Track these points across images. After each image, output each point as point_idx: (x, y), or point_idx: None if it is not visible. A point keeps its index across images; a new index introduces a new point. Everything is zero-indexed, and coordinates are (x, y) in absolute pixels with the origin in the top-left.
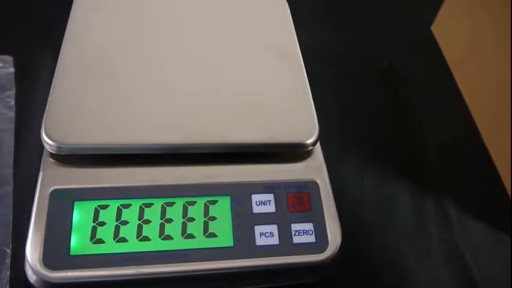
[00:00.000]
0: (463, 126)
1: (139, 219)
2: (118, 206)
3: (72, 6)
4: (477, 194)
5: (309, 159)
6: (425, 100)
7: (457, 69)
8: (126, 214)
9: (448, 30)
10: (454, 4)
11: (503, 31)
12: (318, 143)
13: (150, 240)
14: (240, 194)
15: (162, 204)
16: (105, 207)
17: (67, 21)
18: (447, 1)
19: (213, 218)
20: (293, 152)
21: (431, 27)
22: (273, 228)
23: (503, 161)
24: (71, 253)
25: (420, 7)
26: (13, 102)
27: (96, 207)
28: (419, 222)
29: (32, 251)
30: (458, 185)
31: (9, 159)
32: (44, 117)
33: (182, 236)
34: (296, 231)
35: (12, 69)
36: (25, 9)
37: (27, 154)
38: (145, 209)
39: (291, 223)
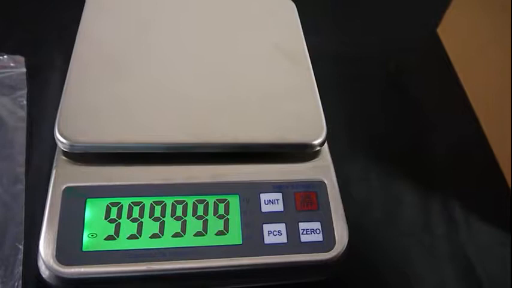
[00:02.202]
0: (469, 128)
1: (150, 217)
2: (129, 204)
3: (84, 8)
4: (483, 196)
5: (316, 159)
6: (431, 102)
7: (462, 71)
8: (137, 211)
9: (453, 32)
10: (459, 6)
11: (507, 33)
12: (326, 143)
13: (160, 237)
14: (249, 193)
15: (173, 202)
16: (116, 204)
17: (78, 23)
18: (453, 3)
19: (223, 216)
20: (301, 152)
21: (437, 30)
22: (281, 226)
23: (509, 162)
24: (84, 249)
25: (426, 9)
26: (25, 102)
27: (108, 205)
28: (425, 223)
29: (46, 247)
30: (464, 187)
31: (21, 157)
32: (57, 116)
33: (192, 233)
34: (304, 230)
35: (24, 70)
36: (36, 11)
37: (39, 153)
38: (156, 207)
39: (298, 222)
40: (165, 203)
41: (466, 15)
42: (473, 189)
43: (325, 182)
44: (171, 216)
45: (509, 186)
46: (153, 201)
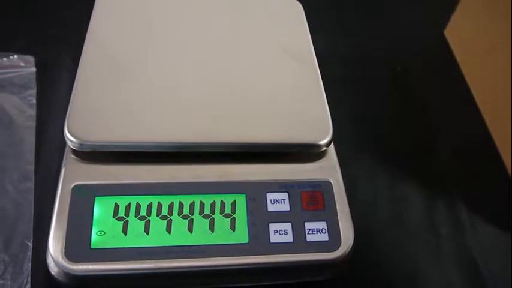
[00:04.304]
0: (475, 129)
1: (157, 215)
2: (137, 202)
3: (94, 8)
4: (488, 197)
5: (322, 159)
6: (438, 103)
7: (469, 73)
8: (144, 210)
9: (460, 34)
10: (466, 8)
11: None
12: (332, 143)
13: (168, 235)
14: (255, 192)
15: (180, 201)
16: (124, 202)
17: (87, 22)
18: (460, 5)
19: (229, 215)
20: (307, 152)
21: (444, 31)
22: (287, 226)
23: None
24: (92, 246)
25: (433, 11)
26: (34, 101)
27: (116, 203)
28: (431, 224)
29: (55, 244)
30: (470, 188)
31: (31, 156)
32: (67, 115)
33: (199, 232)
34: (309, 229)
35: (33, 69)
36: (46, 10)
37: (48, 151)
38: (164, 205)
39: (304, 221)
40: (173, 202)
41: (473, 17)
42: (478, 190)
43: (331, 182)
44: (179, 215)
45: None
46: (161, 200)
